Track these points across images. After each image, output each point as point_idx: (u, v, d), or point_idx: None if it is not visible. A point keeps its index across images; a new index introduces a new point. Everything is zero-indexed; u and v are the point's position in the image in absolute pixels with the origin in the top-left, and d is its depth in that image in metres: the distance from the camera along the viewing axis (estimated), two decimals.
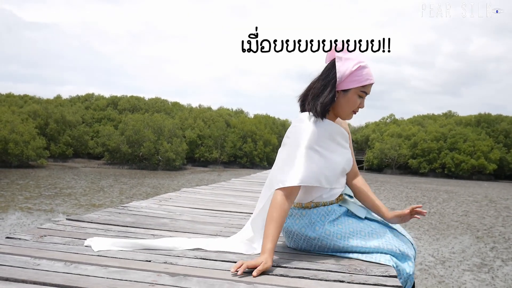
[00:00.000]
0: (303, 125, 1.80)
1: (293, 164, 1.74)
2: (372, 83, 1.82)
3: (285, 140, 1.87)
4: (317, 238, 1.83)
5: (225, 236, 2.21)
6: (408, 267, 1.80)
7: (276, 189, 1.73)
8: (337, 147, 1.86)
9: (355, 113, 1.87)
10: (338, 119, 1.94)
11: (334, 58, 1.83)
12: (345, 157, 1.89)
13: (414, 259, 1.87)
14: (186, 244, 1.92)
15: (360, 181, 2.01)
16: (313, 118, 1.80)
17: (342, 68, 1.78)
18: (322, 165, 1.78)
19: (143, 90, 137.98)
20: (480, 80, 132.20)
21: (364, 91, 1.81)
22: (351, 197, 1.98)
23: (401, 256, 1.82)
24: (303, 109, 1.88)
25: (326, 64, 1.88)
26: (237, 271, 1.50)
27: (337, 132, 1.86)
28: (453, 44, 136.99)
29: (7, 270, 1.41)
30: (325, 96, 1.79)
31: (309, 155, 1.75)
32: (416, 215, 1.87)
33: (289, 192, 1.72)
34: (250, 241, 1.97)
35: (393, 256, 1.80)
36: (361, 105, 1.85)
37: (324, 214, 1.84)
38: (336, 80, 1.79)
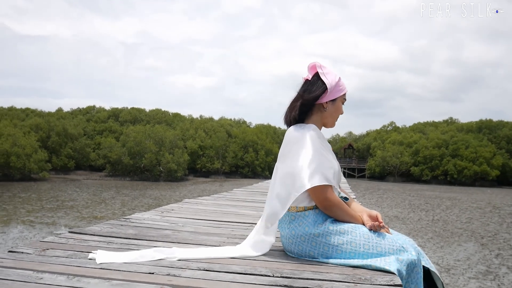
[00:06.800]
0: (305, 131, 1.95)
1: (327, 162, 1.93)
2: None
3: (292, 145, 1.95)
4: (320, 234, 1.90)
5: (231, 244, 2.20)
6: (411, 255, 1.80)
7: (324, 187, 1.87)
8: (330, 152, 2.04)
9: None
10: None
11: (315, 73, 2.01)
12: (337, 161, 2.07)
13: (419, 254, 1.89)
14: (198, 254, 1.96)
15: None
16: (307, 127, 1.96)
17: (329, 80, 1.98)
18: (330, 165, 1.96)
19: (143, 102, 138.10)
20: (478, 86, 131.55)
21: (345, 98, 2.07)
22: (346, 199, 2.10)
23: (404, 251, 1.82)
24: (295, 122, 2.03)
25: (303, 81, 2.05)
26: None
27: (325, 138, 2.05)
28: (447, 51, 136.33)
29: (9, 284, 1.40)
30: (308, 104, 1.99)
31: (324, 155, 1.94)
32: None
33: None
34: (263, 238, 2.06)
35: (397, 254, 1.79)
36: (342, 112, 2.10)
37: (325, 215, 1.96)
38: (326, 89, 1.97)
